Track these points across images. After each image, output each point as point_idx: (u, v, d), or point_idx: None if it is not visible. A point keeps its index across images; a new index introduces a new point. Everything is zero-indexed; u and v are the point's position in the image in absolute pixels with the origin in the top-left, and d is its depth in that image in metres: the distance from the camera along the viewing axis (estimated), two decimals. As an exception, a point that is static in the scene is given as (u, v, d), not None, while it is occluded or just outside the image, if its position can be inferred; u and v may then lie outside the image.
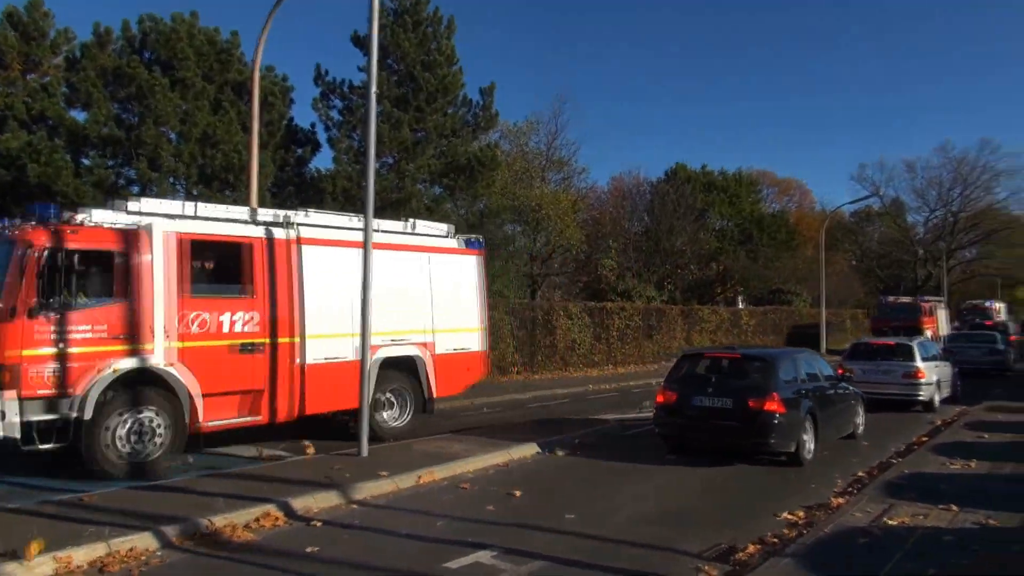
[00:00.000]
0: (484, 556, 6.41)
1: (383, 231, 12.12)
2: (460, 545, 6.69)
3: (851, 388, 13.05)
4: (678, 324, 34.02)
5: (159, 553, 6.47)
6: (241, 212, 11.01)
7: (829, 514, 7.69)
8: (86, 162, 20.46)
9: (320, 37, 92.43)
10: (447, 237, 13.59)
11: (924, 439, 12.65)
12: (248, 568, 6.16)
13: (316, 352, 11.05)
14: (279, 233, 10.92)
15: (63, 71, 20.79)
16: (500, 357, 24.49)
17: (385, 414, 12.29)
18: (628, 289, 36.48)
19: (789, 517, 7.71)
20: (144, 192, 21.31)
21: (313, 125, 26.63)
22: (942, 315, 41.24)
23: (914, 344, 17.15)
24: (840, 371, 13.87)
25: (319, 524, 7.40)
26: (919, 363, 16.34)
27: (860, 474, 9.99)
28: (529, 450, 11.31)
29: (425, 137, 25.31)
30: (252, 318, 10.44)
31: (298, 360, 10.83)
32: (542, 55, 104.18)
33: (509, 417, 15.28)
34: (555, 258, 35.88)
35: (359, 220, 11.46)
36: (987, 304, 49.11)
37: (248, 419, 10.46)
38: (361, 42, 25.25)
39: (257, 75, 15.44)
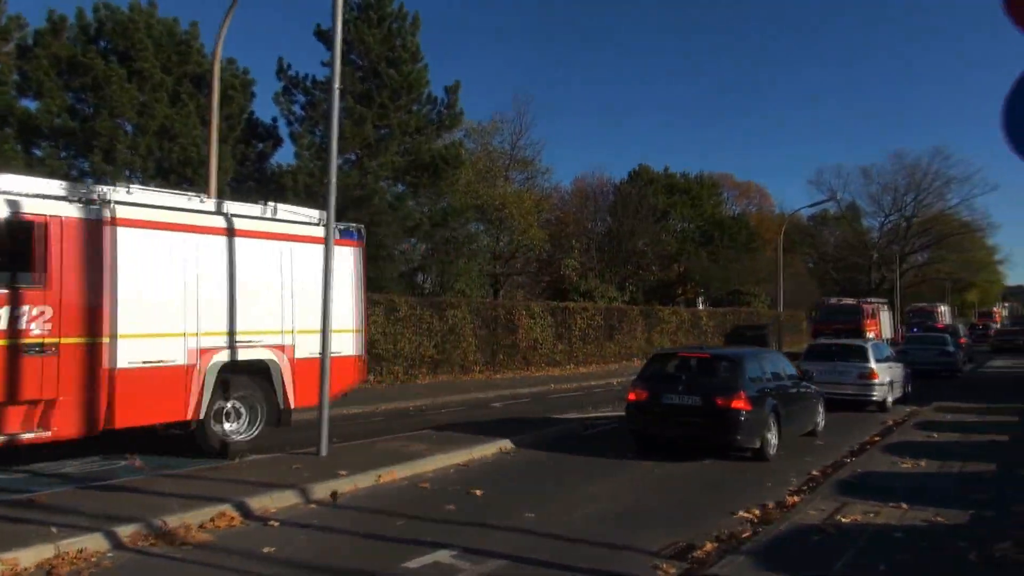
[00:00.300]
0: (443, 555, 6.39)
1: (234, 215, 10.59)
2: (419, 544, 6.66)
3: (812, 387, 13.41)
4: (639, 324, 34.31)
5: (110, 554, 6.32)
6: (39, 184, 9.04)
7: (784, 512, 7.81)
8: (38, 153, 19.93)
9: (282, 30, 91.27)
10: (316, 225, 11.49)
11: (876, 439, 12.94)
12: (202, 569, 6.05)
13: (131, 354, 9.14)
14: (85, 212, 8.99)
15: (14, 59, 20.22)
16: (463, 356, 24.48)
17: (228, 426, 10.54)
18: (590, 289, 36.73)
19: (745, 515, 7.82)
20: (98, 184, 20.85)
21: (275, 120, 26.40)
22: (885, 317, 40.71)
23: (868, 346, 17.57)
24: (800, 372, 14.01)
25: (276, 524, 7.31)
26: (873, 364, 16.72)
27: (814, 473, 10.18)
28: (490, 449, 11.31)
29: (389, 134, 25.16)
30: (42, 313, 8.56)
31: (106, 364, 8.97)
32: (507, 55, 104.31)
33: (471, 416, 15.25)
34: (518, 258, 35.97)
35: (200, 201, 10.47)
36: (934, 307, 50.97)
37: (34, 435, 8.57)
38: (324, 36, 25.03)
39: (217, 67, 15.19)
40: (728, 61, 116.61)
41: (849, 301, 37.79)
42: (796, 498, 8.51)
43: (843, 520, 7.29)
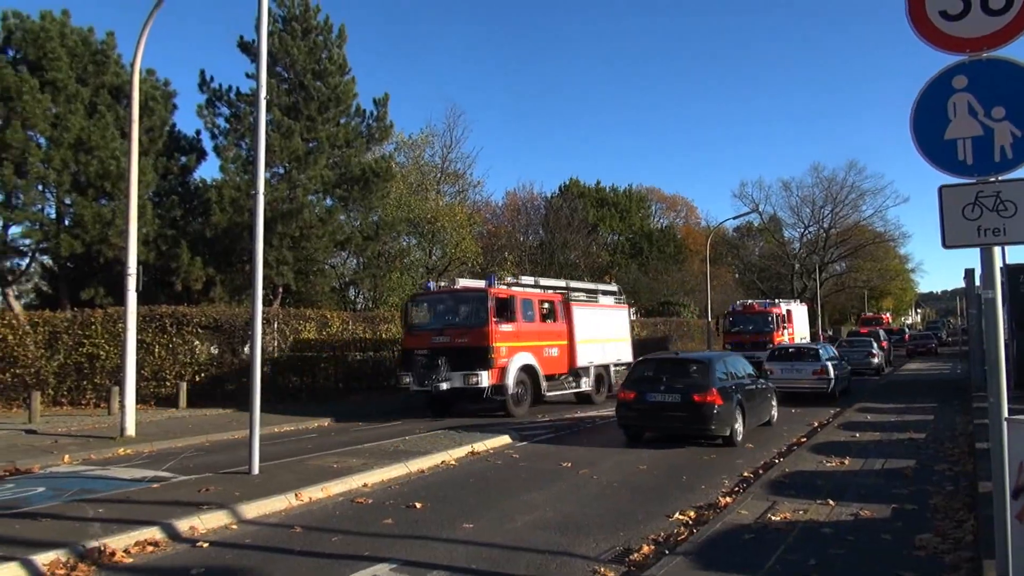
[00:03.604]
0: (382, 569, 6.28)
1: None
2: (356, 560, 6.53)
3: (768, 384, 15.79)
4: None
5: (27, 584, 5.99)
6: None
7: (717, 513, 7.97)
8: (-58, 167, 18.91)
9: (205, 41, 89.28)
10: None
11: (803, 440, 13.36)
12: (128, 595, 5.79)
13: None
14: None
15: (-84, 68, 19.18)
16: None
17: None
18: (524, 301, 36.80)
19: (680, 517, 7.95)
20: (9, 199, 19.92)
21: (198, 132, 25.75)
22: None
23: (819, 348, 22.01)
24: (764, 369, 17.04)
25: (206, 545, 7.06)
26: (824, 363, 20.61)
27: (746, 474, 10.43)
28: (427, 462, 11.20)
29: (317, 147, 24.80)
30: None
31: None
32: (436, 69, 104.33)
33: (407, 431, 15.07)
34: (451, 270, 35.82)
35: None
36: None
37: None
38: (248, 48, 24.56)
39: (137, 78, 14.70)
40: (656, 76, 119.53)
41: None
42: (729, 499, 8.69)
43: (774, 518, 7.48)
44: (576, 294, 21.62)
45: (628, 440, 13.44)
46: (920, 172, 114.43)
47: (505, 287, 18.93)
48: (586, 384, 20.54)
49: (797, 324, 36.18)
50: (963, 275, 20.17)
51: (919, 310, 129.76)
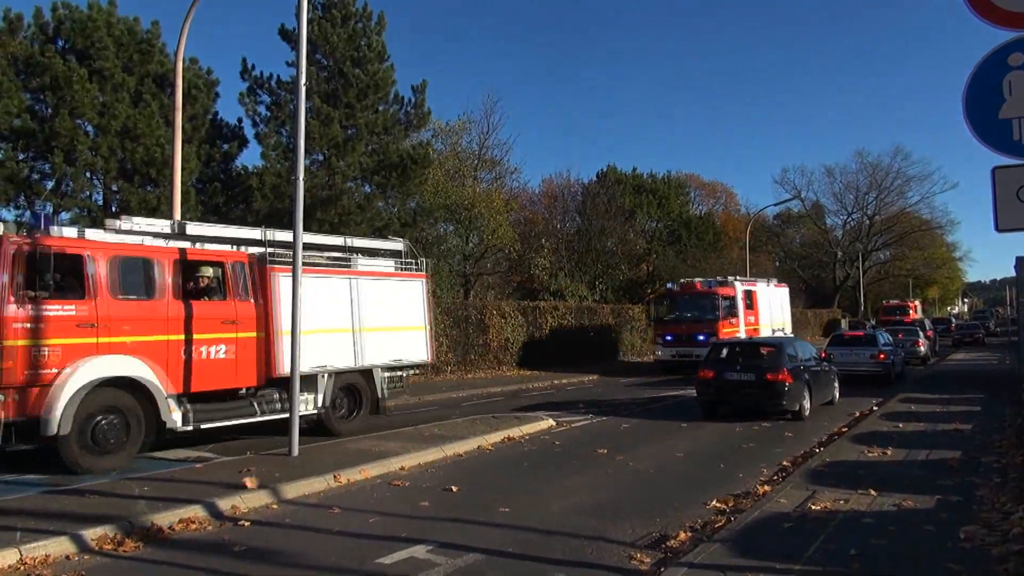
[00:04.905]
0: (419, 551, 6.34)
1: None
2: (394, 541, 6.61)
3: (831, 367, 17.12)
4: (610, 322, 34.48)
5: (77, 558, 6.17)
6: None
7: (756, 501, 7.88)
8: (-5, 154, 19.45)
9: (246, 30, 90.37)
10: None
11: (844, 429, 13.14)
12: (171, 570, 5.93)
13: None
14: None
15: (-31, 59, 19.71)
16: (435, 356, 24.34)
17: None
18: (560, 288, 36.79)
19: (718, 505, 7.88)
20: (59, 186, 20.41)
21: (240, 120, 25.99)
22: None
23: (877, 334, 23.00)
24: (823, 355, 17.49)
25: (247, 524, 7.20)
26: (882, 347, 21.78)
27: (785, 463, 10.30)
28: (464, 446, 11.26)
29: (356, 134, 24.95)
30: None
31: None
32: (475, 57, 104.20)
33: (443, 415, 15.18)
34: (488, 257, 35.87)
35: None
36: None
37: None
38: (289, 36, 24.75)
39: (180, 67, 14.94)
40: (696, 64, 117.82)
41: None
42: (767, 488, 8.59)
43: (813, 507, 7.37)
44: (286, 252, 11.39)
45: (705, 416, 14.78)
46: (971, 156, 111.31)
47: (72, 234, 9.79)
48: (309, 403, 11.97)
49: (765, 310, 28.46)
50: (1014, 263, 19.54)
51: (966, 300, 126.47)
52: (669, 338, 26.26)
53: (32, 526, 6.53)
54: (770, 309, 29.17)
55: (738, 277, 29.26)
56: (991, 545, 6.03)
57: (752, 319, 27.25)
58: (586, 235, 41.96)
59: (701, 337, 24.54)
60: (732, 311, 25.86)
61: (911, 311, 50.97)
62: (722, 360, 15.21)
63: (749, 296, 27.37)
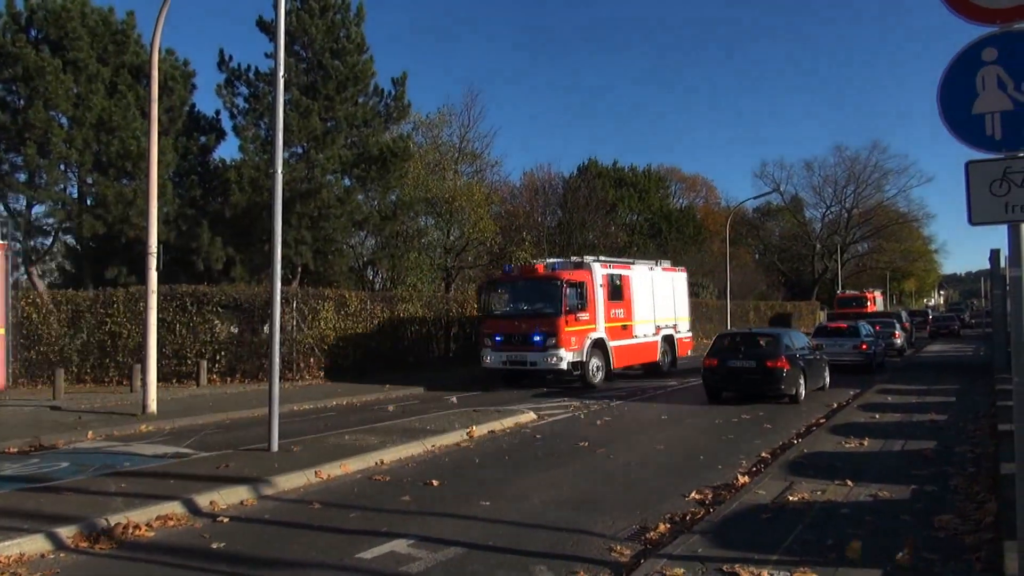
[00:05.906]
0: (399, 545, 6.32)
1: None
2: (375, 535, 6.59)
3: (823, 355, 18.30)
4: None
5: (52, 556, 6.10)
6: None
7: (734, 493, 7.94)
8: (-34, 147, 19.13)
9: (224, 21, 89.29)
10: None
11: (822, 420, 13.26)
12: (148, 567, 5.87)
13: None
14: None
15: (-61, 48, 19.35)
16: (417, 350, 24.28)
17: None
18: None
19: (697, 497, 7.93)
20: (33, 179, 20.09)
21: (218, 112, 25.77)
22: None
23: (860, 326, 24.00)
24: (814, 345, 18.51)
25: (226, 520, 7.14)
26: (864, 338, 23.02)
27: (764, 455, 10.38)
28: (446, 440, 11.25)
29: (335, 127, 24.79)
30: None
31: None
32: (455, 50, 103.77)
33: (426, 409, 15.15)
34: (469, 250, 35.79)
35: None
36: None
37: None
38: (267, 27, 24.53)
39: (156, 58, 14.72)
40: (675, 55, 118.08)
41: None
42: (746, 479, 8.65)
43: (791, 498, 7.44)
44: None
45: (709, 399, 16.06)
46: (946, 151, 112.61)
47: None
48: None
49: (644, 302, 22.46)
50: (988, 255, 19.83)
51: (942, 292, 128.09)
52: (499, 339, 19.90)
53: (6, 524, 6.44)
54: (652, 300, 23.03)
55: (601, 257, 22.58)
56: (964, 534, 6.12)
57: (620, 312, 21.20)
58: (567, 228, 42.03)
59: (536, 338, 19.02)
60: (581, 303, 19.43)
61: (869, 303, 47.35)
62: (725, 349, 16.40)
63: (615, 283, 21.27)
